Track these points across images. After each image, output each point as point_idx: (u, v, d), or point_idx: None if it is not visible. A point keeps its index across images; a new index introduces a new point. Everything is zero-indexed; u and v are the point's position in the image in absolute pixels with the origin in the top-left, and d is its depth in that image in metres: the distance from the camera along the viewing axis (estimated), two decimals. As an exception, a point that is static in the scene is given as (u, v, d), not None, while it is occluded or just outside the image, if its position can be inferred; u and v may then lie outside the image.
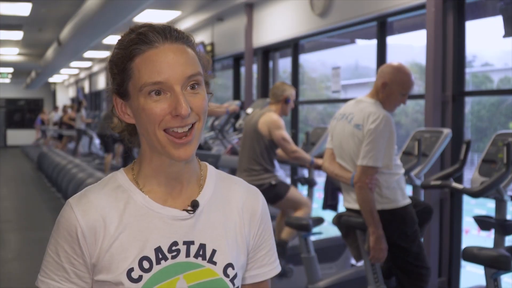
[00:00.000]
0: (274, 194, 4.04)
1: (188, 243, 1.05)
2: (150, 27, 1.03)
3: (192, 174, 1.10)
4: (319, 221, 3.62)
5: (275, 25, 6.56)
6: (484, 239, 5.39)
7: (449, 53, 3.98)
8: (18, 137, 23.23)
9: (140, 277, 1.01)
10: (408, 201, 2.91)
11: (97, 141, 12.40)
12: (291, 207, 4.15)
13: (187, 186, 1.09)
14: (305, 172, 4.86)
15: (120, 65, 1.03)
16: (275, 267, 1.17)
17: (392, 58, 4.82)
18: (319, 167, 3.97)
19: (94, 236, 1.03)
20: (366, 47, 7.35)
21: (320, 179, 5.12)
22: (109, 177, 1.11)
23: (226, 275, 1.06)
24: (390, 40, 4.87)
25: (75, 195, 1.08)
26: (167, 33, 1.03)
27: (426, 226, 3.22)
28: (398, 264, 2.95)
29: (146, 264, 1.02)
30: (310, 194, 4.45)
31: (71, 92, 23.35)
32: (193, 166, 1.11)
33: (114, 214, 1.04)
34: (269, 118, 4.06)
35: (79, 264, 1.03)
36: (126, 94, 1.04)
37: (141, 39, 1.01)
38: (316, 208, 5.47)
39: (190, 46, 1.05)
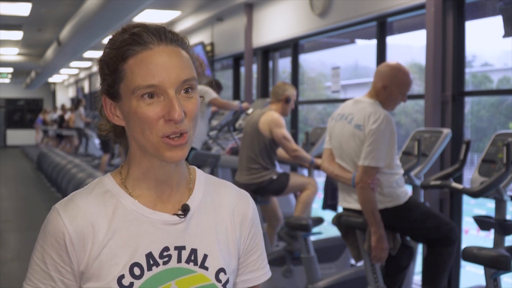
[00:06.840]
0: (277, 186, 4.11)
1: (180, 248, 1.03)
2: (144, 28, 0.99)
3: (182, 178, 1.08)
4: (319, 221, 3.62)
5: (274, 25, 6.56)
6: (484, 239, 5.39)
7: (448, 53, 3.98)
8: (18, 137, 23.24)
9: (131, 284, 0.99)
10: (408, 196, 2.95)
11: (96, 141, 12.36)
12: (297, 190, 4.25)
13: (176, 190, 1.07)
14: (305, 172, 4.86)
15: (112, 66, 0.99)
16: (266, 272, 1.16)
17: (392, 58, 4.82)
18: (318, 167, 3.99)
19: (83, 243, 0.99)
20: (366, 47, 7.36)
21: (320, 179, 5.11)
22: (96, 181, 1.07)
23: (218, 280, 1.04)
24: (390, 40, 4.87)
25: (61, 201, 1.04)
26: (162, 34, 0.99)
27: (407, 273, 3.12)
28: (425, 240, 2.99)
29: (137, 271, 0.99)
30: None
31: (71, 92, 23.34)
32: (182, 169, 1.08)
33: (103, 220, 1.01)
34: (270, 116, 4.08)
35: (67, 272, 1.00)
36: (116, 95, 1.00)
37: (134, 39, 0.97)
38: (316, 208, 5.47)
39: (185, 49, 1.02)
